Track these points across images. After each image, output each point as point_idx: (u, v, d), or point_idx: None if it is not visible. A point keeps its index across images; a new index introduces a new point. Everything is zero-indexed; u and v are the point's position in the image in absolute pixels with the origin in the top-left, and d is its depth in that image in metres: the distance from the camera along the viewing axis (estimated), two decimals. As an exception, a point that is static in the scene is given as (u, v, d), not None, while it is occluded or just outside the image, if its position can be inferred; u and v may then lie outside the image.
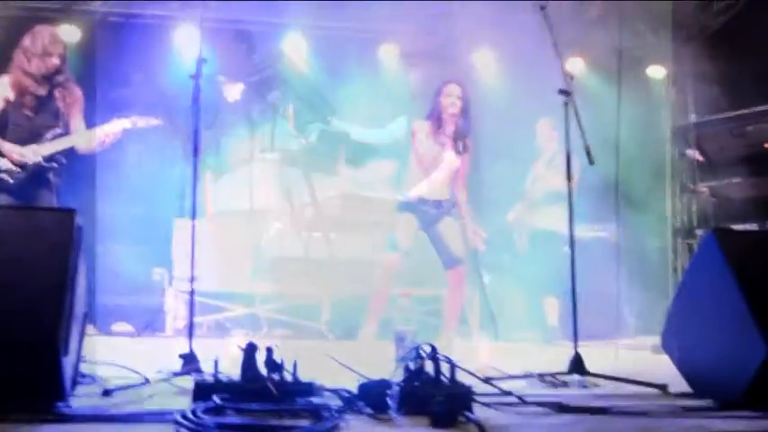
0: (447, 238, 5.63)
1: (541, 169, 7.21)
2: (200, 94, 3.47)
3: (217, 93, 7.76)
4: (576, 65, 8.87)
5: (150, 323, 6.35)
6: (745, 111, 4.96)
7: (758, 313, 2.60)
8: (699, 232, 5.52)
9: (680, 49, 9.10)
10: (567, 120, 3.74)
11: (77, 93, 5.07)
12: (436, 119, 5.56)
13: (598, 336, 6.92)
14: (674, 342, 3.07)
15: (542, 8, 4.01)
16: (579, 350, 3.58)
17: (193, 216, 3.42)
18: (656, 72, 9.15)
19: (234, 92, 7.64)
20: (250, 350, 2.52)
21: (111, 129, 4.91)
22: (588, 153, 3.71)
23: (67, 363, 2.46)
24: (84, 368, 3.07)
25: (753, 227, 5.31)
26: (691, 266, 2.99)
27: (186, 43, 8.15)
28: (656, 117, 8.99)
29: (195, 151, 3.40)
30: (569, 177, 3.80)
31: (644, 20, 8.95)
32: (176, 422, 2.14)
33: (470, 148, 5.69)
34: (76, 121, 5.01)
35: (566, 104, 3.76)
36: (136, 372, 3.05)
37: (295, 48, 8.48)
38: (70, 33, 7.95)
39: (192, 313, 3.34)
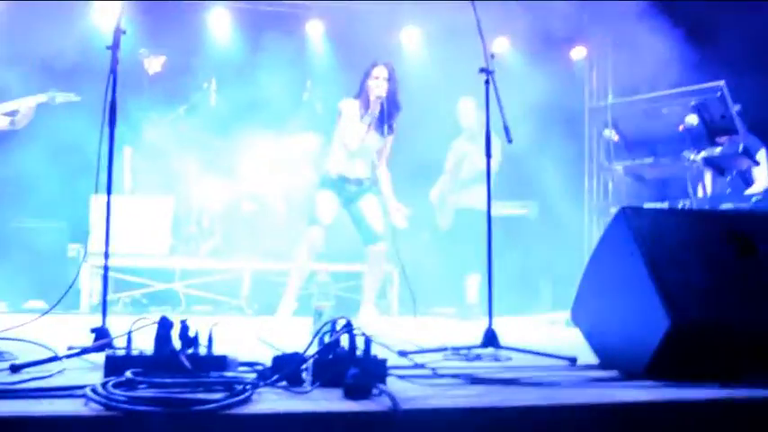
0: (367, 215, 5.65)
1: (464, 145, 7.27)
2: (117, 65, 3.37)
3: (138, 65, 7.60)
4: (501, 44, 9.00)
5: (64, 300, 6.17)
6: (661, 93, 5.10)
7: (662, 288, 2.70)
8: (613, 210, 5.66)
9: (600, 30, 9.31)
10: (487, 98, 3.78)
11: None
12: (364, 100, 5.55)
13: (518, 310, 7.11)
14: (583, 316, 3.17)
15: None
16: (496, 324, 3.65)
17: (108, 191, 3.33)
18: (579, 53, 9.35)
19: (155, 65, 7.47)
20: (164, 324, 2.49)
21: (25, 103, 4.75)
22: (507, 132, 3.77)
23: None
24: (-8, 346, 2.99)
25: (664, 206, 5.49)
26: (600, 243, 3.08)
27: (107, 17, 7.98)
28: (578, 97, 9.21)
29: (111, 125, 3.31)
30: (489, 155, 3.85)
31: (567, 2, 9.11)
32: (87, 397, 2.10)
33: (395, 130, 5.71)
34: None
35: (486, 83, 3.79)
36: (46, 347, 2.98)
37: (219, 21, 8.38)
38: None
39: (105, 289, 3.27)
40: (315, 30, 8.71)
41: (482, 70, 3.81)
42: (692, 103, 5.01)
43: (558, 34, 9.18)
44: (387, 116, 5.51)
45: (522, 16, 8.93)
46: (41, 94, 4.81)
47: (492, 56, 3.75)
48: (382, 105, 5.47)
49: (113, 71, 3.36)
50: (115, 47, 3.38)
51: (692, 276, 2.77)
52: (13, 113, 4.79)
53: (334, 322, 2.55)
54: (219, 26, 8.43)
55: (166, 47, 7.79)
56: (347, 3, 8.56)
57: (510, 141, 3.72)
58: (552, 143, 7.90)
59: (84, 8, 7.88)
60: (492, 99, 3.84)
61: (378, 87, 5.46)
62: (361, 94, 5.59)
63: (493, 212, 6.64)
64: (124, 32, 3.49)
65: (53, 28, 6.86)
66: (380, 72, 5.53)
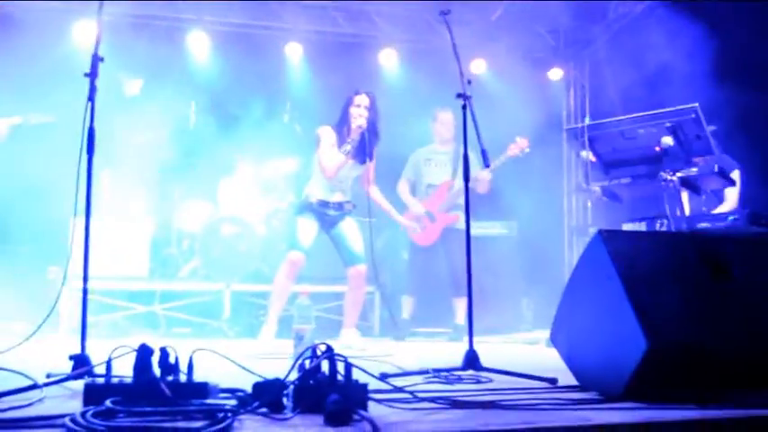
0: (347, 237, 5.75)
1: (430, 153, 7.29)
2: (95, 93, 3.36)
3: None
4: (479, 66, 9.09)
5: (43, 323, 6.11)
6: (636, 114, 5.17)
7: (639, 310, 2.74)
8: (592, 230, 5.72)
9: (578, 53, 9.44)
10: (465, 123, 3.80)
11: None
12: (344, 128, 5.65)
13: (499, 330, 7.15)
14: (562, 338, 3.19)
15: (445, 14, 4.08)
16: (478, 345, 3.67)
17: (87, 214, 3.32)
18: (556, 75, 9.46)
19: (134, 87, 7.47)
20: (143, 351, 2.48)
21: None
22: (485, 156, 3.79)
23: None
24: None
25: (641, 226, 5.54)
26: (578, 265, 3.11)
27: (86, 39, 7.98)
28: (556, 118, 9.30)
29: (90, 152, 3.31)
30: (467, 179, 3.86)
31: (544, 24, 9.24)
32: (66, 427, 2.10)
33: (374, 157, 5.78)
34: None
35: (464, 108, 3.81)
36: (24, 375, 2.96)
37: (198, 44, 8.39)
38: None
39: (84, 315, 3.25)
40: (294, 52, 8.74)
41: (459, 95, 3.83)
42: (667, 124, 5.07)
43: (535, 56, 9.33)
44: (368, 144, 5.56)
45: (499, 38, 9.06)
46: (16, 116, 4.79)
47: (469, 81, 3.79)
48: (363, 134, 5.52)
49: (91, 99, 3.34)
50: (93, 74, 3.36)
51: (668, 299, 2.81)
52: None
53: (314, 347, 2.56)
54: (199, 49, 8.42)
55: (145, 69, 7.79)
56: (325, 27, 8.61)
57: (488, 166, 3.75)
58: (531, 164, 7.97)
59: (65, 27, 7.83)
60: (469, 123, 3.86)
61: (360, 117, 5.53)
62: (343, 121, 5.66)
63: (474, 232, 6.64)
64: (102, 60, 3.47)
65: (31, 46, 6.84)
66: (362, 101, 5.61)
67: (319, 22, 8.57)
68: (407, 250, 7.28)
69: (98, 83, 7.57)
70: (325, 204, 5.71)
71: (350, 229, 5.78)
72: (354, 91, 5.68)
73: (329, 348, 2.53)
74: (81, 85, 6.78)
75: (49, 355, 4.37)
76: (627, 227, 5.40)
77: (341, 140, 5.60)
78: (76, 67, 7.25)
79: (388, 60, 8.96)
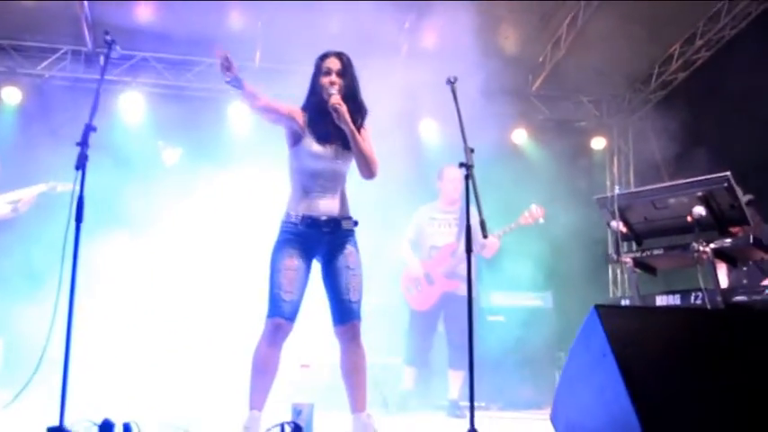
0: (343, 279, 3.94)
1: (432, 213, 6.66)
2: (86, 162, 3.33)
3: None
4: (519, 136, 9.01)
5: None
6: (668, 183, 5.00)
7: (634, 391, 2.55)
8: (624, 302, 5.49)
9: (621, 121, 9.31)
10: (467, 193, 3.64)
11: None
12: (315, 102, 3.91)
13: (537, 404, 6.84)
14: (561, 417, 3.01)
15: (452, 82, 3.96)
16: (505, 421, 3.48)
17: (72, 282, 3.24)
18: (599, 143, 9.31)
19: (173, 157, 7.60)
20: (106, 428, 2.41)
21: (24, 194, 4.84)
22: (483, 227, 3.60)
23: None
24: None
25: (675, 299, 5.30)
26: (576, 342, 2.95)
27: (130, 107, 8.21)
28: (599, 187, 9.12)
29: (78, 218, 3.29)
30: (469, 250, 3.68)
31: (586, 92, 9.16)
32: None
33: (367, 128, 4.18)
34: None
35: (466, 177, 3.65)
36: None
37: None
38: (12, 95, 8.00)
39: (64, 386, 3.17)
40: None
41: (462, 165, 3.66)
42: (699, 193, 4.88)
43: (576, 125, 9.23)
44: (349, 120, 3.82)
45: (539, 107, 9.00)
46: (42, 184, 4.88)
47: (471, 150, 3.63)
48: (336, 111, 3.79)
49: (82, 167, 3.30)
50: (83, 144, 3.35)
51: (669, 385, 2.60)
52: (15, 202, 4.87)
53: (282, 425, 2.45)
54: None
55: (185, 138, 7.92)
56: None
57: (485, 237, 3.59)
58: (574, 234, 7.81)
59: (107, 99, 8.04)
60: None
61: (332, 85, 3.85)
62: (312, 96, 3.94)
63: (504, 303, 6.37)
64: (94, 130, 3.45)
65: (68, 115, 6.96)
66: (333, 64, 3.92)
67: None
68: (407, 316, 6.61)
69: (138, 152, 7.75)
70: (312, 221, 3.83)
71: (347, 265, 3.89)
72: (320, 55, 3.98)
73: (296, 428, 2.41)
74: (113, 155, 6.92)
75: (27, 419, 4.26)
76: (660, 300, 5.18)
77: (314, 122, 3.87)
78: (114, 138, 7.55)
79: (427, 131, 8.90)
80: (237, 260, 6.97)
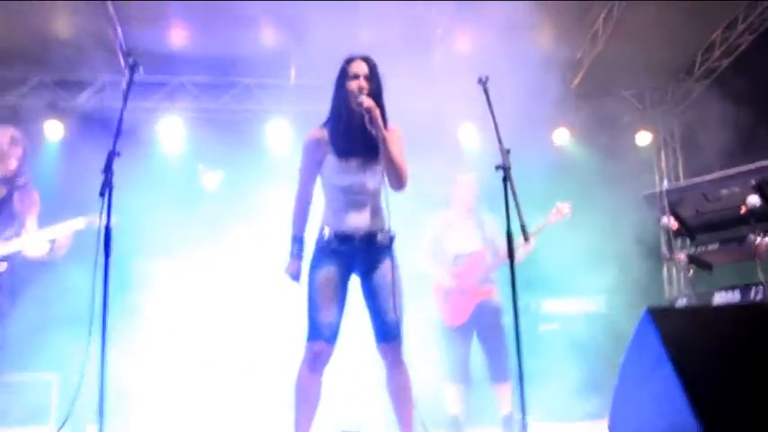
0: (381, 295, 3.87)
1: (447, 220, 6.28)
2: (112, 189, 3.27)
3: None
4: (561, 136, 8.82)
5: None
6: (718, 174, 4.80)
7: (692, 392, 2.41)
8: (681, 302, 5.28)
9: (666, 114, 9.07)
10: (506, 197, 3.48)
11: (35, 196, 4.97)
12: (342, 111, 3.83)
13: (596, 415, 6.62)
14: (619, 422, 2.87)
15: (483, 82, 3.82)
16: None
17: (104, 321, 3.10)
18: (644, 138, 9.05)
19: (212, 181, 7.58)
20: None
21: (60, 232, 4.80)
22: (524, 230, 3.44)
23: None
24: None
25: (735, 295, 5.09)
26: (630, 346, 2.80)
27: (169, 133, 8.24)
28: (649, 185, 8.86)
29: (107, 251, 3.16)
30: (512, 258, 3.51)
31: (627, 86, 8.95)
32: None
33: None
34: (29, 225, 4.91)
35: (504, 180, 3.49)
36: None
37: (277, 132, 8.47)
38: (54, 129, 8.09)
39: (101, 421, 3.07)
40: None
41: (498, 167, 3.48)
42: (752, 182, 4.68)
43: (620, 121, 9.01)
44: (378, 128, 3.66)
45: (580, 105, 8.81)
46: (81, 218, 4.81)
47: (508, 151, 3.48)
48: (370, 114, 3.64)
49: (102, 194, 3.23)
50: (108, 170, 3.29)
51: (730, 389, 2.45)
52: (52, 241, 4.83)
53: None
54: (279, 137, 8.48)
55: (225, 162, 7.91)
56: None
57: (527, 240, 3.42)
58: (625, 235, 7.59)
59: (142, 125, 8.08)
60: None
61: (361, 91, 3.71)
62: (339, 106, 3.81)
63: (560, 309, 6.12)
64: (118, 155, 3.40)
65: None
66: (360, 69, 3.79)
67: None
68: (440, 335, 6.08)
69: (179, 177, 7.74)
70: (345, 237, 3.77)
71: (385, 283, 3.75)
72: (346, 58, 3.85)
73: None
74: (152, 185, 6.89)
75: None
76: (718, 297, 4.97)
77: (337, 136, 3.77)
78: (154, 165, 7.58)
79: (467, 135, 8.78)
80: (281, 283, 6.92)
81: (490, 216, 6.08)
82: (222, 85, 8.44)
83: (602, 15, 7.61)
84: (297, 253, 3.82)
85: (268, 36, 7.79)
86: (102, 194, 3.26)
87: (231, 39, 7.54)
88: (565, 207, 6.07)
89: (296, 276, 3.75)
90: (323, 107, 3.90)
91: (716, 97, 7.65)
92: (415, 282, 5.64)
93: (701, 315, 2.87)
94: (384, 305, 3.72)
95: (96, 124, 7.94)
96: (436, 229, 6.22)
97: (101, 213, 3.23)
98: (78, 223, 4.83)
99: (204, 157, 7.98)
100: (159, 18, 7.38)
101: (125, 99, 3.67)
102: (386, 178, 3.76)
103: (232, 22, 7.32)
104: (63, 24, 7.33)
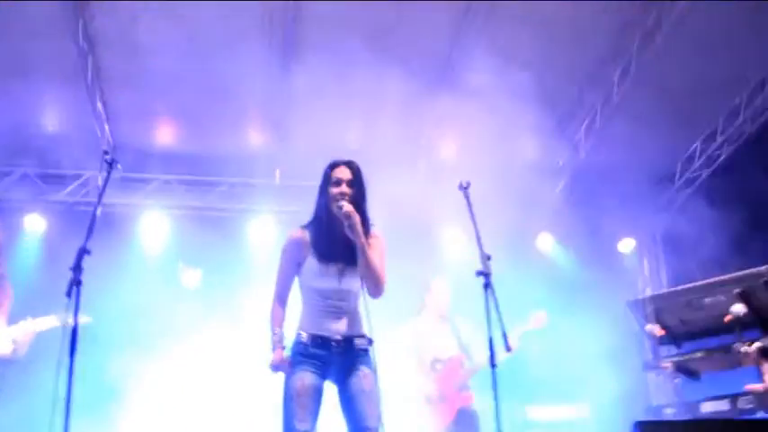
0: (360, 400, 3.71)
1: (426, 327, 6.20)
2: (80, 287, 3.12)
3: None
4: (545, 241, 8.84)
5: None
6: (701, 283, 4.78)
7: None
8: (668, 410, 5.16)
9: (649, 222, 9.13)
10: (487, 304, 3.38)
11: (8, 291, 4.87)
12: (324, 216, 3.77)
13: None
14: None
15: (464, 187, 3.82)
16: None
17: (66, 417, 2.91)
18: (627, 245, 9.09)
19: (192, 279, 7.49)
20: None
21: (21, 332, 4.67)
22: (506, 339, 3.33)
23: None
24: None
25: (724, 404, 4.98)
26: (619, 457, 2.70)
27: (153, 230, 8.18)
28: (632, 291, 8.84)
29: (72, 351, 2.98)
30: (494, 365, 3.40)
31: (610, 195, 9.03)
32: None
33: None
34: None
35: (486, 287, 3.41)
36: None
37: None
38: (35, 223, 8.00)
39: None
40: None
41: (479, 273, 3.40)
42: (737, 290, 4.65)
43: (603, 228, 9.05)
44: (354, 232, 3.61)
45: (564, 211, 8.85)
46: (53, 316, 4.67)
47: (488, 257, 3.42)
48: (349, 220, 3.58)
49: (75, 294, 3.08)
50: (76, 268, 3.12)
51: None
52: (15, 341, 4.68)
53: None
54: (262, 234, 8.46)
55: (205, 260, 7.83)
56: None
57: (509, 350, 3.30)
58: (603, 342, 7.51)
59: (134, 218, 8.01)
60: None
61: (342, 197, 3.66)
62: (320, 210, 3.77)
63: (543, 416, 5.93)
64: (89, 253, 3.23)
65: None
66: (343, 174, 3.75)
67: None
68: None
69: (160, 274, 7.62)
70: (323, 341, 3.64)
71: (364, 387, 3.61)
72: (330, 163, 3.81)
73: None
74: (132, 282, 6.75)
75: None
76: (707, 406, 4.86)
77: (318, 240, 3.70)
78: (135, 261, 7.48)
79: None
80: (260, 382, 6.77)
81: (462, 320, 6.01)
82: (207, 183, 8.45)
83: (584, 125, 7.76)
84: (278, 341, 3.65)
85: (254, 137, 7.88)
86: (68, 294, 3.09)
87: (218, 138, 7.61)
88: (541, 316, 6.10)
89: (282, 366, 3.61)
90: (308, 207, 3.87)
91: (698, 206, 7.73)
92: (394, 389, 5.63)
93: (690, 428, 2.79)
94: (362, 413, 3.56)
95: (79, 219, 7.89)
96: (415, 329, 6.13)
97: (71, 313, 3.06)
98: (50, 321, 4.71)
99: (186, 255, 7.90)
100: (148, 114, 7.44)
101: (100, 196, 3.60)
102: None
103: (219, 121, 7.39)
104: (50, 118, 7.37)
